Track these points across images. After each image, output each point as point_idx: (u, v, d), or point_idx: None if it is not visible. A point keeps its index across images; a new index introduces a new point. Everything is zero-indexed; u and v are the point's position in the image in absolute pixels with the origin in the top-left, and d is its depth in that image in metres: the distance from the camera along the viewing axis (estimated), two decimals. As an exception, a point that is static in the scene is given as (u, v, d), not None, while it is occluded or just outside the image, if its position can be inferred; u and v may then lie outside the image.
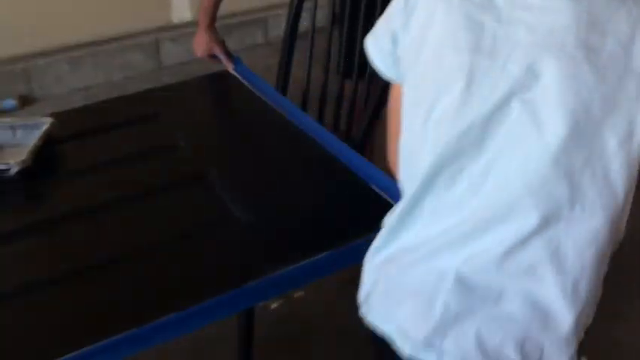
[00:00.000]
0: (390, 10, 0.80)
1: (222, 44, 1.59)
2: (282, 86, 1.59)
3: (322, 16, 1.63)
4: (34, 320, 0.87)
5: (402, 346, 0.77)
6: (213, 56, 1.62)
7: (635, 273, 1.72)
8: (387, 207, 1.05)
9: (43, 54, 2.88)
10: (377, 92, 1.27)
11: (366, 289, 0.87)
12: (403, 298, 0.78)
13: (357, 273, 1.74)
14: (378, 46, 0.81)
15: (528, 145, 0.68)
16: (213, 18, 1.56)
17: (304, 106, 1.59)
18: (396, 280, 0.80)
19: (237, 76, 1.59)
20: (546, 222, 0.68)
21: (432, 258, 0.75)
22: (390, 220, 0.82)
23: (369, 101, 1.31)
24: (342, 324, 1.58)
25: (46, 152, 1.25)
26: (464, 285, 0.73)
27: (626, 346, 1.49)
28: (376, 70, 0.84)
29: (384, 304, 0.82)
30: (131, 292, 0.91)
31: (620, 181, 0.67)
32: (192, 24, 3.16)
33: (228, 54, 1.61)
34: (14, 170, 1.15)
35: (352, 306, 1.65)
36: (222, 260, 0.97)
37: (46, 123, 1.29)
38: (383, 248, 0.83)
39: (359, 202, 1.09)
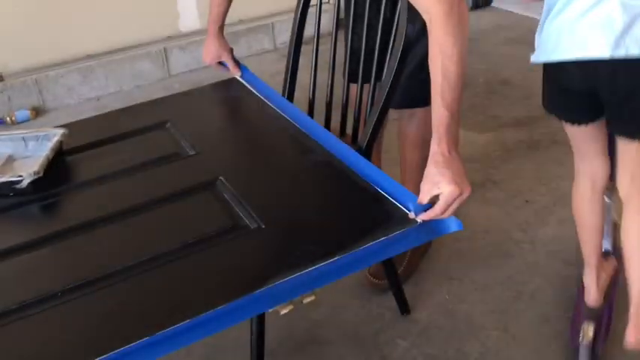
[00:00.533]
0: None
1: (230, 52, 1.61)
2: (289, 92, 1.60)
3: (328, 21, 1.64)
4: (47, 332, 0.88)
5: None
6: (220, 63, 1.64)
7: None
8: (393, 211, 1.07)
9: (54, 65, 2.92)
10: (382, 96, 1.28)
11: (552, 41, 1.20)
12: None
13: (362, 275, 1.75)
14: None
15: None
16: (221, 26, 1.58)
17: (311, 111, 1.60)
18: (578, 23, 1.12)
19: (245, 83, 1.60)
20: None
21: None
22: None
23: (374, 106, 1.31)
24: (352, 328, 1.58)
25: (57, 163, 1.27)
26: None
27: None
28: None
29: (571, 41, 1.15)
30: (143, 301, 0.92)
31: None
32: (200, 32, 3.20)
33: (236, 62, 1.62)
34: (26, 182, 1.16)
35: (361, 309, 1.67)
36: (232, 267, 0.98)
37: (57, 134, 1.31)
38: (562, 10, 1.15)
39: (366, 207, 1.10)
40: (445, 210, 0.97)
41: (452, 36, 0.99)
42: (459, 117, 1.00)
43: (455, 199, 0.96)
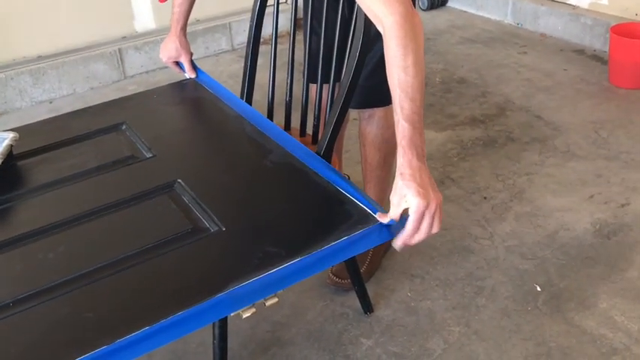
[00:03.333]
0: None
1: (189, 53, 1.59)
2: (248, 93, 1.59)
3: (285, 21, 1.63)
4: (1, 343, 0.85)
5: None
6: (176, 63, 1.62)
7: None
8: (355, 210, 1.06)
9: (4, 67, 2.83)
10: (341, 97, 1.27)
11: None
12: None
13: (324, 275, 1.75)
14: None
15: None
16: (183, 26, 1.55)
17: (270, 112, 1.59)
18: None
19: (202, 84, 1.58)
20: None
21: None
22: None
23: (334, 106, 1.31)
24: (316, 328, 1.58)
25: (7, 168, 1.23)
26: None
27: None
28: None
29: None
30: (100, 309, 0.90)
31: None
32: (156, 32, 3.15)
33: (192, 64, 1.61)
34: (-25, 188, 1.12)
35: (325, 309, 1.67)
36: (193, 271, 0.96)
37: (6, 138, 1.26)
38: None
39: (328, 207, 1.10)
40: (418, 227, 0.94)
41: (404, 47, 0.98)
42: (421, 127, 0.98)
43: (423, 212, 0.93)
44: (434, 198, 0.94)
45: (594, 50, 3.15)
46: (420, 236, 0.96)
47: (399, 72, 0.99)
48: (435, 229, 0.95)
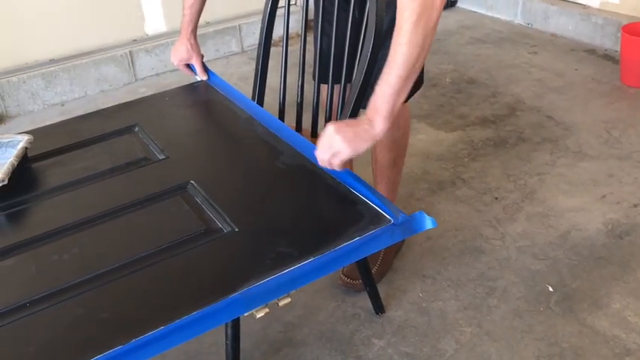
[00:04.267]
0: None
1: (200, 55, 1.60)
2: (259, 94, 1.59)
3: (296, 23, 1.64)
4: (15, 344, 0.86)
5: None
6: (187, 66, 1.63)
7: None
8: (366, 210, 1.07)
9: (17, 70, 2.85)
10: (352, 97, 1.28)
11: None
12: None
13: (336, 275, 1.75)
14: None
15: None
16: (194, 28, 1.56)
17: (281, 113, 1.59)
18: None
19: (213, 86, 1.59)
20: None
21: None
22: None
23: (345, 107, 1.31)
24: (328, 329, 1.58)
25: (22, 170, 1.24)
26: None
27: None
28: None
29: None
30: (114, 309, 0.90)
31: None
32: (167, 35, 3.17)
33: (204, 66, 1.61)
34: (-9, 190, 1.13)
35: (336, 310, 1.67)
36: (206, 272, 0.97)
37: (21, 140, 1.28)
38: None
39: (339, 207, 1.10)
40: (321, 157, 1.12)
41: (401, 27, 1.04)
42: (399, 93, 1.07)
43: (322, 158, 1.12)
44: (348, 147, 1.08)
45: (605, 50, 3.14)
46: (322, 163, 1.14)
47: (394, 46, 1.06)
48: (334, 167, 1.12)
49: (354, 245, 1.00)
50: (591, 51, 3.14)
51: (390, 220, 1.04)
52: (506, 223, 1.94)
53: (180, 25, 1.56)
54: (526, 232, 1.90)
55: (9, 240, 1.06)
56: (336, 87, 1.47)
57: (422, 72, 1.68)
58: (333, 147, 1.09)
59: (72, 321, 0.88)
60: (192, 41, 1.57)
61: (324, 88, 1.60)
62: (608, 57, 3.06)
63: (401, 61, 1.05)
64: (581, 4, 3.31)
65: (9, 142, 1.28)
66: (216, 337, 1.50)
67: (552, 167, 2.22)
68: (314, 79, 1.56)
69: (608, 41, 3.14)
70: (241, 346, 1.30)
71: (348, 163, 1.51)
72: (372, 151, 1.73)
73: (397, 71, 1.06)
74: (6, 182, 1.16)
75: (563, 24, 3.35)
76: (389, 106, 1.08)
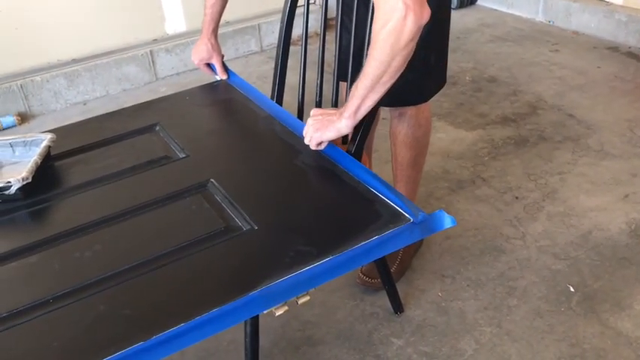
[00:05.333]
0: None
1: (220, 55, 1.61)
2: (278, 93, 1.60)
3: (315, 22, 1.64)
4: (39, 339, 0.87)
5: None
6: (207, 65, 1.64)
7: None
8: (385, 209, 1.07)
9: (40, 70, 2.89)
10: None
11: None
12: None
13: (354, 274, 1.75)
14: None
15: None
16: (215, 27, 1.57)
17: (300, 112, 1.60)
18: None
19: (232, 85, 1.60)
20: None
21: None
22: None
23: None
24: (346, 328, 1.58)
25: (46, 168, 1.26)
26: None
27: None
28: None
29: None
30: (136, 306, 0.91)
31: None
32: (187, 35, 3.19)
33: (224, 66, 1.62)
34: (15, 188, 1.15)
35: (355, 309, 1.67)
36: (226, 270, 0.98)
37: (44, 139, 1.30)
38: None
39: (358, 206, 1.10)
40: (304, 132, 1.26)
41: (375, 40, 1.05)
42: (363, 99, 1.14)
43: (308, 136, 1.24)
44: (317, 131, 1.22)
45: (629, 47, 3.09)
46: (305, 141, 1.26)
47: (370, 51, 1.08)
48: (311, 147, 1.26)
49: (372, 244, 1.00)
50: (614, 48, 3.10)
51: (409, 219, 1.04)
52: (527, 222, 1.93)
53: (202, 25, 1.57)
54: (547, 232, 1.88)
55: (33, 237, 1.07)
56: (343, 84, 1.47)
57: (445, 70, 1.68)
58: (308, 130, 1.24)
59: (94, 317, 0.90)
60: (213, 41, 1.58)
61: (343, 85, 1.60)
62: (632, 55, 3.01)
63: (368, 72, 1.10)
64: (604, 0, 3.27)
65: (33, 140, 1.30)
66: (235, 334, 1.51)
67: (574, 166, 2.19)
68: (333, 77, 1.56)
69: (632, 38, 3.09)
70: (260, 343, 1.31)
71: (367, 162, 1.51)
72: (392, 149, 1.72)
73: (364, 80, 1.11)
74: (30, 180, 1.17)
75: (585, 21, 3.31)
76: (353, 108, 1.15)
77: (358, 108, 1.15)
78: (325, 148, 1.25)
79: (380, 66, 1.07)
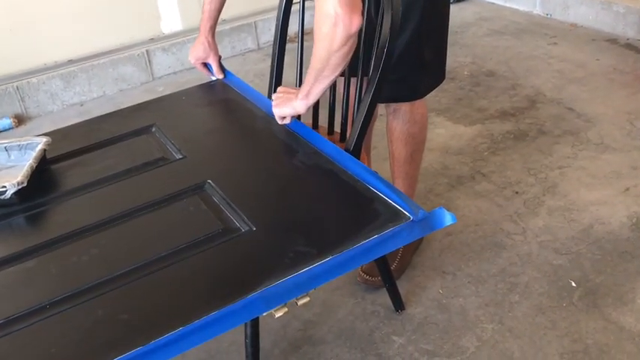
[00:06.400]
0: None
1: (217, 54, 1.60)
2: (275, 91, 1.58)
3: (311, 18, 1.63)
4: (36, 346, 0.86)
5: None
6: (204, 65, 1.62)
7: None
8: (385, 208, 1.06)
9: (36, 71, 2.88)
10: (369, 94, 1.26)
11: None
12: None
13: (355, 272, 1.74)
14: None
15: None
16: (212, 25, 1.56)
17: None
18: None
19: (229, 85, 1.59)
20: None
21: None
22: None
23: (361, 103, 1.30)
24: (347, 327, 1.58)
25: (41, 172, 1.25)
26: None
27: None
28: None
29: None
30: (135, 310, 0.91)
31: None
32: (183, 33, 3.18)
33: (220, 65, 1.61)
34: (10, 192, 1.14)
35: (356, 307, 1.66)
36: (225, 272, 0.97)
37: (40, 143, 1.28)
38: None
39: (357, 205, 1.09)
40: (277, 104, 1.33)
41: (324, 25, 1.10)
42: (309, 81, 1.22)
43: (277, 115, 1.33)
44: (282, 106, 1.31)
45: (627, 39, 3.08)
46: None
47: (315, 44, 1.15)
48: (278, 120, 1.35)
49: (372, 243, 0.99)
50: (613, 41, 3.09)
51: (408, 218, 1.03)
52: (528, 217, 1.92)
53: (200, 23, 1.56)
54: (548, 227, 1.87)
55: (29, 242, 1.06)
56: (353, 80, 1.46)
57: (443, 66, 1.66)
58: (273, 105, 1.33)
59: (92, 322, 0.89)
60: (210, 39, 1.57)
61: (341, 80, 1.59)
62: (631, 46, 3.00)
63: (312, 64, 1.18)
64: (601, -8, 3.25)
65: (28, 144, 1.29)
66: (235, 335, 1.50)
67: (574, 160, 2.18)
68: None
69: (631, 30, 3.08)
70: (261, 344, 1.30)
71: (365, 160, 1.50)
72: (389, 145, 1.71)
73: (310, 71, 1.20)
74: (25, 184, 1.16)
75: (583, 13, 3.29)
76: (305, 91, 1.24)
77: (309, 92, 1.24)
78: (291, 123, 1.34)
79: (320, 62, 1.16)
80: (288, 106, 1.30)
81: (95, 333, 0.87)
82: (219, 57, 1.61)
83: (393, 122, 1.66)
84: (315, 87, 1.23)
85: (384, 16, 1.22)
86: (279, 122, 1.35)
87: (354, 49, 1.14)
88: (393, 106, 1.63)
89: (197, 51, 1.59)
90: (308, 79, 1.22)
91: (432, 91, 1.64)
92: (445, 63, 1.66)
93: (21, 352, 0.85)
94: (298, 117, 1.36)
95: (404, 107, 1.62)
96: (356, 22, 1.07)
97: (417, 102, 1.62)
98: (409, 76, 1.54)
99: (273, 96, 1.36)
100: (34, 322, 0.89)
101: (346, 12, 1.06)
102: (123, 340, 0.84)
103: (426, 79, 1.60)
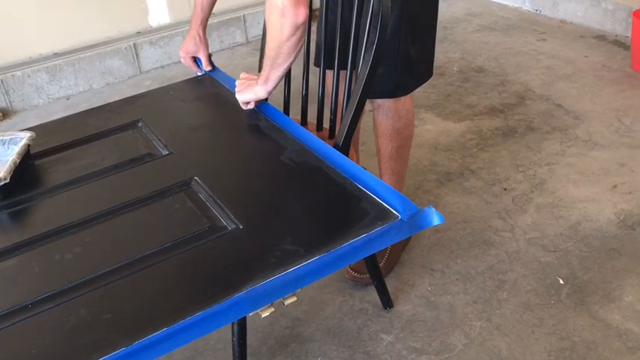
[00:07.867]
0: None
1: (207, 49, 1.59)
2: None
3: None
4: (19, 346, 0.85)
5: None
6: (194, 60, 1.61)
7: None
8: (373, 206, 1.05)
9: (21, 65, 2.84)
10: (358, 90, 1.25)
11: None
12: None
13: (343, 270, 1.73)
14: None
15: None
16: (203, 19, 1.55)
17: (286, 106, 1.57)
18: None
19: (217, 79, 1.57)
20: None
21: None
22: None
23: (350, 99, 1.29)
24: (335, 324, 1.57)
25: (25, 168, 1.23)
26: None
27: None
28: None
29: None
30: (119, 309, 0.89)
31: None
32: (171, 27, 3.14)
33: (209, 61, 1.60)
34: (-7, 188, 1.12)
35: (344, 305, 1.65)
36: (211, 270, 0.96)
37: (24, 137, 1.26)
38: None
39: (346, 203, 1.08)
40: (239, 90, 1.39)
41: (272, 15, 1.17)
42: (267, 68, 1.28)
43: (240, 89, 1.39)
44: (244, 91, 1.38)
45: (616, 36, 3.09)
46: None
47: (267, 33, 1.23)
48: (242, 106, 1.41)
49: (360, 242, 0.98)
50: (601, 37, 3.10)
51: (397, 217, 1.02)
52: (516, 214, 1.92)
53: (191, 17, 1.55)
54: (536, 224, 1.87)
55: (11, 239, 1.05)
56: (342, 73, 1.45)
57: (430, 64, 1.65)
58: (236, 90, 1.39)
59: (75, 322, 0.87)
60: (201, 33, 1.56)
61: (329, 74, 1.58)
62: (619, 43, 3.01)
63: (266, 53, 1.25)
64: (590, -11, 3.26)
65: (11, 139, 1.27)
66: (222, 333, 1.49)
67: (562, 157, 2.19)
68: (315, 65, 1.54)
69: (619, 27, 3.09)
70: (248, 342, 1.29)
71: (354, 156, 1.49)
72: (376, 141, 1.70)
73: (265, 59, 1.26)
74: (8, 180, 1.14)
75: (572, 10, 3.30)
76: (263, 78, 1.30)
77: (267, 78, 1.30)
78: (254, 106, 1.39)
79: (273, 50, 1.22)
80: (249, 91, 1.36)
81: (77, 333, 0.85)
82: (210, 54, 1.60)
83: (378, 117, 1.65)
84: (272, 74, 1.28)
85: (374, 10, 1.20)
86: (243, 108, 1.40)
87: (304, 39, 1.21)
88: (378, 101, 1.62)
89: (188, 45, 1.58)
90: (265, 66, 1.28)
91: (417, 87, 1.63)
92: (433, 59, 1.65)
93: (0, 354, 0.83)
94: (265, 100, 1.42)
95: (387, 103, 1.60)
96: (302, 14, 1.14)
97: (403, 97, 1.61)
98: (391, 72, 1.53)
99: (236, 82, 1.41)
100: (15, 322, 0.88)
101: (292, 4, 1.13)
102: (106, 341, 0.83)
103: (409, 77, 1.59)
